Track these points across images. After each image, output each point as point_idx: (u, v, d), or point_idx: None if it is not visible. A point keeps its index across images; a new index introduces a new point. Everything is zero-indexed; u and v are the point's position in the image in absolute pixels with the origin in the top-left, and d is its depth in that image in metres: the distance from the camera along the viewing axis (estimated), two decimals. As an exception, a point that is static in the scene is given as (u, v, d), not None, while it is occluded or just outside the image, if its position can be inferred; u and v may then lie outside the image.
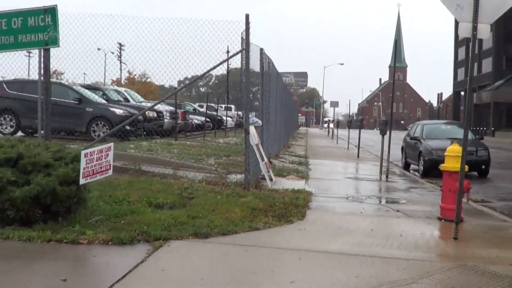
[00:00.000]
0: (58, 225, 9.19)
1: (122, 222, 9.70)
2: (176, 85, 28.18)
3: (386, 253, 8.95)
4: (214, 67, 14.89)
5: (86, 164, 9.30)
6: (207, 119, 43.98)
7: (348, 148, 39.70)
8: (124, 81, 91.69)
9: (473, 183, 21.53)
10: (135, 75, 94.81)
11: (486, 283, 7.54)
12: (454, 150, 12.65)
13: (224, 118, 50.56)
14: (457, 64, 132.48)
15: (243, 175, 14.66)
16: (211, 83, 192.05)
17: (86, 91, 27.50)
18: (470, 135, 25.97)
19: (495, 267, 8.38)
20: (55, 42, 12.95)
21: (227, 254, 8.58)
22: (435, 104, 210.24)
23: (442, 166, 12.65)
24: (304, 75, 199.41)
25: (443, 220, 12.26)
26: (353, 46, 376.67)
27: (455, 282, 7.54)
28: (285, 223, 10.76)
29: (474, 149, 23.69)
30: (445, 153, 12.39)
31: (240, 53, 14.45)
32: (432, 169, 23.24)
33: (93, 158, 9.40)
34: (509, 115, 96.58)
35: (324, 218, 11.65)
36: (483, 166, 23.67)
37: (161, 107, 34.07)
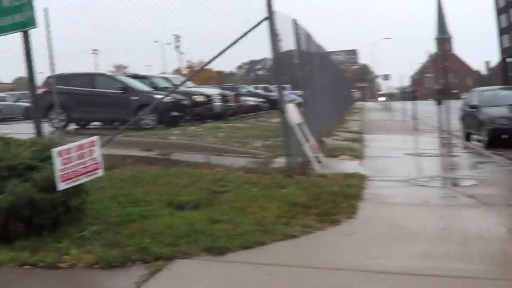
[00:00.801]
0: (42, 242, 6.75)
1: (122, 233, 7.13)
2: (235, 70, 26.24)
3: (466, 270, 6.03)
4: (234, 43, 12.02)
5: (63, 165, 6.68)
6: (262, 100, 41.77)
7: (404, 120, 36.49)
8: (186, 70, 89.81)
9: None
10: (194, 63, 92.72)
11: None
12: None
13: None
14: (500, 31, 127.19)
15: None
16: (267, 66, 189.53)
17: (131, 80, 25.95)
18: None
19: None
20: (32, 23, 10.28)
21: (245, 280, 5.87)
22: (484, 73, 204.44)
23: None
24: (353, 52, 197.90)
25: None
26: (399, 21, 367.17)
27: None
28: (330, 225, 7.89)
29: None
30: None
31: (267, 22, 11.68)
32: (496, 139, 20.19)
33: (72, 156, 6.78)
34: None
35: (380, 214, 8.67)
36: None
37: (211, 90, 31.95)
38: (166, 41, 53.14)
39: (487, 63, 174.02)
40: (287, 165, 11.63)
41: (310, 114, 15.79)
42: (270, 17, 11.73)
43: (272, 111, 41.04)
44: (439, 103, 18.44)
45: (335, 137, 21.75)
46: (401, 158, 16.44)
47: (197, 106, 27.12)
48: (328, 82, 26.50)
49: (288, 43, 13.70)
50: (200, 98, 28.26)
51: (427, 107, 71.03)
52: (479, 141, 22.23)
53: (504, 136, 20.01)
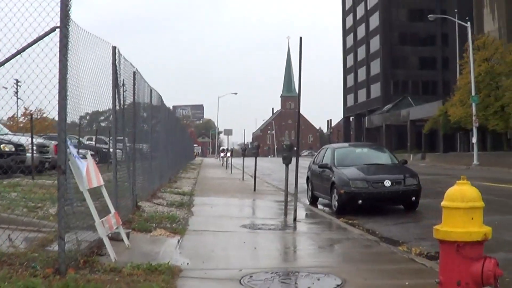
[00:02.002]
0: None
1: None
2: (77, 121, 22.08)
3: None
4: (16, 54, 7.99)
5: None
6: (91, 153, 37.17)
7: (243, 179, 33.06)
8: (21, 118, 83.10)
9: (406, 220, 15.79)
10: (31, 110, 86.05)
11: None
12: (465, 194, 5.36)
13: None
14: (346, 91, 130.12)
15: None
16: (111, 117, 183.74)
17: None
18: (392, 159, 19.82)
19: None
20: None
21: None
22: (325, 131, 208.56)
23: (441, 232, 5.31)
24: (200, 107, 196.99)
25: None
26: (247, 78, 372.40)
27: None
28: None
29: (402, 176, 17.62)
30: (445, 203, 5.48)
31: (57, 33, 7.76)
32: (349, 204, 17.31)
33: None
34: (399, 136, 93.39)
35: None
36: (413, 198, 17.46)
37: (23, 139, 27.26)
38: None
39: (329, 121, 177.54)
40: (59, 255, 7.59)
41: (132, 172, 12.21)
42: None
43: (101, 164, 36.87)
44: (286, 161, 15.01)
45: (159, 201, 17.88)
46: (234, 233, 12.54)
47: (2, 157, 22.45)
48: (162, 133, 24.11)
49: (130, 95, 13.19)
50: (6, 148, 23.59)
51: (267, 164, 69.20)
52: (327, 205, 19.23)
53: (359, 202, 17.03)
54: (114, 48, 11.47)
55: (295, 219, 14.51)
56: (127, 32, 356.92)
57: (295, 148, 15.70)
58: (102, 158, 40.71)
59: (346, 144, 22.49)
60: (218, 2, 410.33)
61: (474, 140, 49.73)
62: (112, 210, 9.62)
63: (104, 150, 42.06)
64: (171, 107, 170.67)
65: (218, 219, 14.85)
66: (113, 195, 11.04)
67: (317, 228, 14.06)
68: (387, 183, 17.16)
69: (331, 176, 18.41)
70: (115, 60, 11.63)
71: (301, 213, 16.42)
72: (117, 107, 12.16)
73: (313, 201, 20.89)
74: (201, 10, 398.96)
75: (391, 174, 17.79)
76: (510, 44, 49.53)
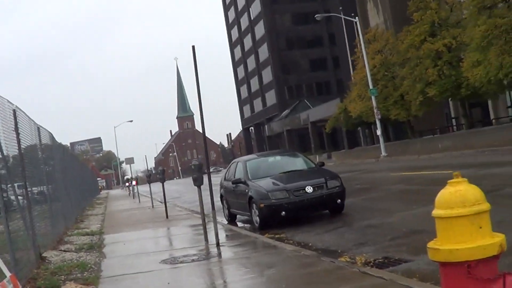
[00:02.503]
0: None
1: None
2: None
3: None
4: None
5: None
6: None
7: (152, 206, 31.42)
8: None
9: (337, 226, 14.69)
10: None
11: None
12: (466, 197, 3.95)
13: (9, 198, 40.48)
14: (241, 102, 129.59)
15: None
16: (9, 164, 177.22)
17: None
18: (308, 163, 18.70)
19: None
20: None
21: None
22: (226, 145, 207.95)
23: (444, 253, 3.90)
24: (98, 140, 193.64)
25: None
26: (141, 104, 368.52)
27: None
28: None
29: (323, 180, 16.48)
30: (440, 212, 4.12)
31: None
32: (272, 217, 16.17)
33: None
34: (301, 139, 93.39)
35: None
36: (338, 200, 16.35)
37: None
38: None
39: (228, 135, 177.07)
40: None
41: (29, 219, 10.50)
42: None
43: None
44: (198, 183, 13.66)
45: (66, 246, 16.19)
46: (155, 273, 10.93)
47: None
48: (62, 175, 22.57)
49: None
50: None
51: (174, 187, 67.38)
52: (247, 221, 18.02)
53: (282, 214, 15.82)
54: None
55: (218, 244, 13.17)
56: (17, 73, 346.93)
57: (204, 167, 14.37)
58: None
59: (255, 155, 21.08)
60: (102, 34, 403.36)
61: (378, 132, 49.47)
62: (7, 273, 8.01)
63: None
64: (69, 144, 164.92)
65: (135, 258, 13.27)
66: (9, 250, 9.44)
67: (245, 251, 12.67)
68: (309, 189, 15.97)
69: (247, 191, 17.10)
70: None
71: (223, 235, 15.12)
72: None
73: (231, 219, 19.57)
74: (87, 45, 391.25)
75: (311, 179, 16.58)
76: (400, 34, 49.50)
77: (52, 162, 20.65)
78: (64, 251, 15.20)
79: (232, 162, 20.76)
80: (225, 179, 19.94)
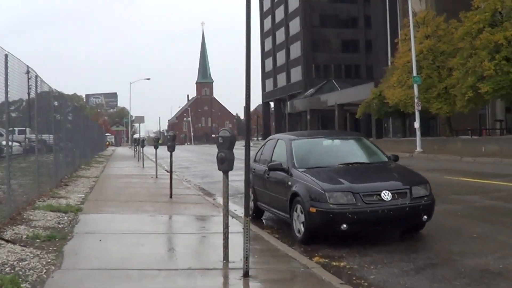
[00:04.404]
0: None
1: None
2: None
3: None
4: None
5: None
6: None
7: (156, 175, 26.01)
8: None
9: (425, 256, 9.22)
10: None
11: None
12: None
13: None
14: (264, 75, 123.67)
15: None
16: (21, 107, 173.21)
17: None
18: (380, 155, 13.05)
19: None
20: None
21: None
22: (242, 117, 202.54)
23: None
24: (114, 95, 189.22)
25: None
26: (161, 63, 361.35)
27: None
28: None
29: (405, 184, 10.93)
30: None
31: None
32: (325, 230, 10.71)
33: None
34: (323, 122, 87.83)
35: None
36: (425, 217, 10.80)
37: None
38: None
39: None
40: None
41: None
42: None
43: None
44: (225, 166, 8.21)
45: (18, 229, 10.89)
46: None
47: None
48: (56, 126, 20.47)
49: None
50: None
51: (185, 154, 61.59)
52: (279, 222, 12.69)
53: (343, 227, 10.35)
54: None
55: (246, 275, 7.79)
56: (50, 21, 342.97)
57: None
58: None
59: (303, 134, 15.50)
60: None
61: (416, 124, 43.76)
62: None
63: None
64: (84, 96, 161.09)
65: (106, 281, 7.88)
66: None
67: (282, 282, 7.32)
68: (386, 195, 10.45)
69: (289, 183, 11.62)
70: None
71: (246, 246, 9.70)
72: None
73: (257, 215, 14.19)
74: (123, 2, 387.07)
75: (388, 181, 11.10)
76: (453, 21, 43.82)
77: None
78: (8, 240, 9.85)
79: (268, 139, 15.11)
80: (255, 160, 14.38)
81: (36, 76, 16.50)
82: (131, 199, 17.38)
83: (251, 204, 13.97)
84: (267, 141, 14.81)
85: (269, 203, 13.20)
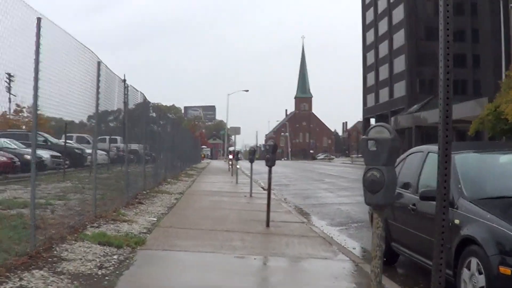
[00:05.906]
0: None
1: None
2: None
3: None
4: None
5: None
6: (55, 154, 28.56)
7: (251, 194, 21.87)
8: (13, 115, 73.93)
9: None
10: (24, 107, 76.57)
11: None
12: None
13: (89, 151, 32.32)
14: (366, 90, 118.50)
15: None
16: (120, 117, 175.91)
17: None
18: None
19: None
20: None
21: None
22: (340, 133, 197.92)
23: None
24: (212, 108, 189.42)
25: None
26: (260, 78, 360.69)
27: None
28: None
29: None
30: None
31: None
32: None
33: None
34: (428, 139, 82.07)
35: None
36: None
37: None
38: None
39: (344, 124, 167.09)
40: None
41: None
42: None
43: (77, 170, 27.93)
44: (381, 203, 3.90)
45: (41, 273, 6.89)
46: None
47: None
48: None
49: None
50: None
51: (282, 169, 56.93)
52: (421, 271, 8.18)
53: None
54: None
55: None
56: (156, 32, 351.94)
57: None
58: (75, 162, 30.71)
59: (469, 146, 10.52)
60: (242, 11, 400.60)
61: (544, 143, 38.29)
62: None
63: (76, 151, 31.70)
64: (183, 108, 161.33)
65: None
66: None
67: None
68: None
69: (456, 222, 7.15)
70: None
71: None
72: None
73: (390, 259, 9.81)
74: (227, 19, 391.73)
75: None
76: None
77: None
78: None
79: (410, 151, 10.41)
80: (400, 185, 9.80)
81: (128, 86, 16.83)
82: (216, 227, 13.18)
83: (383, 246, 9.53)
84: (408, 155, 10.12)
85: (414, 247, 8.75)
